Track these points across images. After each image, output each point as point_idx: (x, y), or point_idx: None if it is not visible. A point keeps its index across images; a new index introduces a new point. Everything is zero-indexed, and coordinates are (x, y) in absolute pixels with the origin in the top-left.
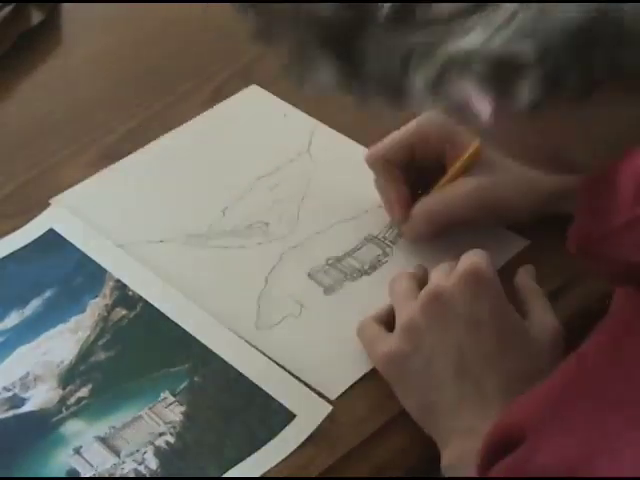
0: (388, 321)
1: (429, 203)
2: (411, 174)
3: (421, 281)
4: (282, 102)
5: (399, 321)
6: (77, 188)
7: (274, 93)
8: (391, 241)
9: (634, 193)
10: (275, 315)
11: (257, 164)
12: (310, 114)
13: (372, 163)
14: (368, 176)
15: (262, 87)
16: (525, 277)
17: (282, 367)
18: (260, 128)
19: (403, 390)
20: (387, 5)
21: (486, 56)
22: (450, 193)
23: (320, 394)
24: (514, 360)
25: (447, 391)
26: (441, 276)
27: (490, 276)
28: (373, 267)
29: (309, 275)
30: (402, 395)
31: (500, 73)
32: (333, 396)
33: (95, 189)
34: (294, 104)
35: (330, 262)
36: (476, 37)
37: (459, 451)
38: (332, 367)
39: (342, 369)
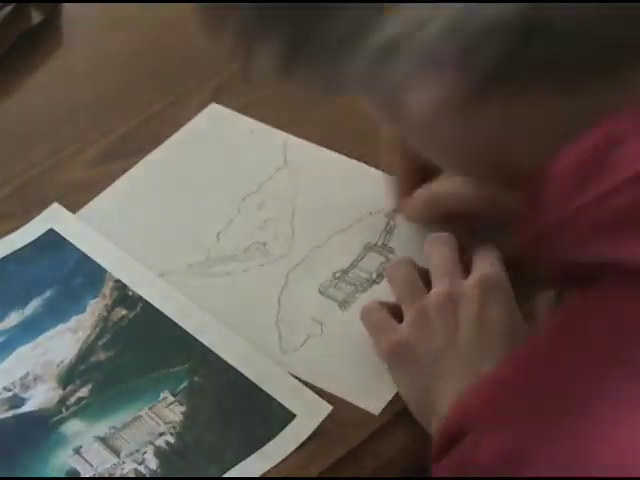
0: (392, 307)
1: (435, 187)
2: (423, 165)
3: (418, 269)
4: (246, 118)
5: (411, 314)
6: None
7: (275, 94)
8: (390, 246)
9: (564, 191)
10: (297, 337)
11: (238, 185)
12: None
13: (386, 145)
14: (352, 185)
15: (262, 87)
16: (543, 302)
17: (320, 389)
18: (231, 148)
19: (406, 382)
20: None
21: (417, 44)
22: (457, 180)
23: (365, 411)
24: None
25: (449, 385)
26: (453, 276)
27: (502, 284)
28: (380, 275)
29: (320, 292)
30: (403, 387)
31: (431, 63)
32: (377, 411)
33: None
34: (295, 109)
35: (337, 276)
36: (407, 25)
37: None
38: (369, 382)
39: (379, 382)
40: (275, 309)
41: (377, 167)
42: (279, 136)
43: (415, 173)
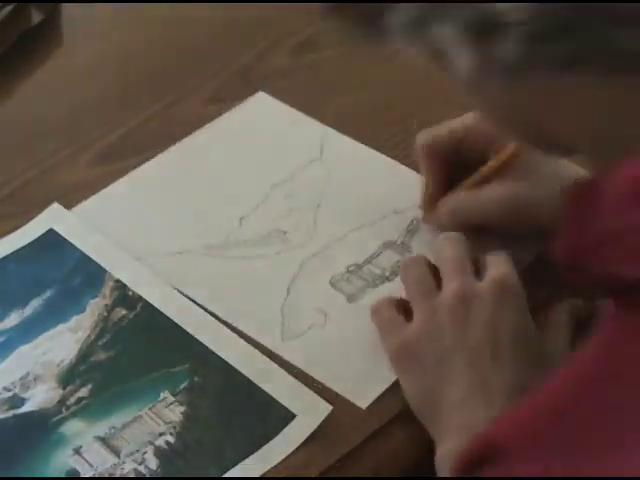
0: (402, 306)
1: (463, 200)
2: (455, 167)
3: (432, 268)
4: (290, 109)
5: (421, 313)
6: (93, 200)
7: (274, 95)
8: (410, 246)
9: (618, 205)
10: (300, 325)
11: (270, 172)
12: (318, 119)
13: (419, 146)
14: (382, 182)
15: (260, 87)
16: (560, 313)
17: (312, 378)
18: (270, 136)
19: (410, 381)
20: None
21: (471, 6)
22: (485, 195)
23: (351, 403)
24: (525, 370)
25: (455, 385)
26: (465, 275)
27: (518, 289)
28: (394, 273)
29: (331, 284)
30: (407, 386)
31: (483, 26)
32: (364, 405)
33: (110, 201)
34: (299, 108)
35: (351, 269)
36: None
37: (451, 446)
38: (362, 376)
39: (372, 377)
40: (283, 296)
41: (409, 166)
42: (319, 128)
43: (445, 180)
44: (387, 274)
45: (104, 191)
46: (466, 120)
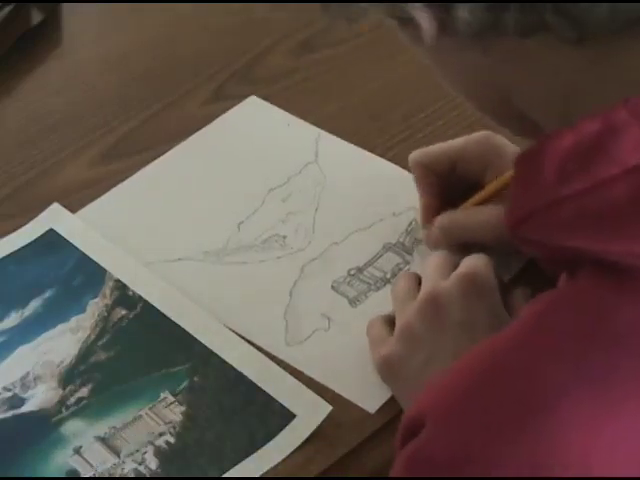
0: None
1: (453, 219)
2: (450, 186)
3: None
4: (282, 112)
5: (397, 324)
6: (90, 207)
7: (274, 95)
8: (409, 248)
9: (556, 174)
10: (304, 330)
11: (267, 176)
12: (310, 121)
13: (412, 165)
14: (378, 184)
15: (262, 87)
16: (520, 299)
17: (320, 387)
18: (265, 139)
19: (399, 392)
20: None
21: None
22: (480, 217)
23: (351, 403)
24: None
25: None
26: (438, 278)
27: (487, 280)
28: (395, 275)
29: (333, 287)
30: (399, 396)
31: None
32: (373, 410)
33: (106, 209)
34: (293, 111)
35: (352, 273)
36: None
37: None
38: (369, 380)
39: (379, 381)
40: (286, 301)
41: (406, 168)
42: (312, 131)
43: (440, 199)
44: (388, 276)
45: (101, 199)
46: (461, 142)
